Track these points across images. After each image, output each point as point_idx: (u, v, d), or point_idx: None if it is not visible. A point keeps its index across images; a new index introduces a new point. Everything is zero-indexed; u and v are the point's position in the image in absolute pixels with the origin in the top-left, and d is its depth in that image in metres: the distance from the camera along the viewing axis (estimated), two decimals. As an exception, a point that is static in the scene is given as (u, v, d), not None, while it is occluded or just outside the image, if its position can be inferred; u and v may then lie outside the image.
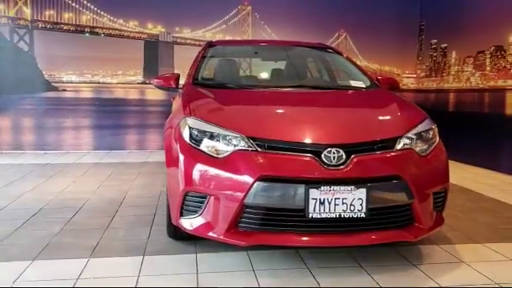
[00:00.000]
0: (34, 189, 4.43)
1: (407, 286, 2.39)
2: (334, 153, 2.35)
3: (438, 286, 2.38)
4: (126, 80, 11.74)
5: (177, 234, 2.90)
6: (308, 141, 2.43)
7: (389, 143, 2.50)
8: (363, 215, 2.34)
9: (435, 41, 8.93)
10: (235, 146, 2.45)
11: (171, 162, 2.69)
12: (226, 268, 2.59)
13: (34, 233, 3.17)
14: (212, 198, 2.44)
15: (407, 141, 2.56)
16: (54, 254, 2.78)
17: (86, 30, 11.54)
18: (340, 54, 4.00)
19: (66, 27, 11.47)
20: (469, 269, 2.60)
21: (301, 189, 2.30)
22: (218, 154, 2.47)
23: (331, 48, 4.17)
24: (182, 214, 2.58)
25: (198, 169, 2.48)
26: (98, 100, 11.70)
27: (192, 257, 2.75)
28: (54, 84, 10.97)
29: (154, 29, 12.18)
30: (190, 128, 2.61)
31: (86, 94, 11.87)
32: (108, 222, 3.44)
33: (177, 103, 3.27)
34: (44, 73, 10.45)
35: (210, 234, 2.46)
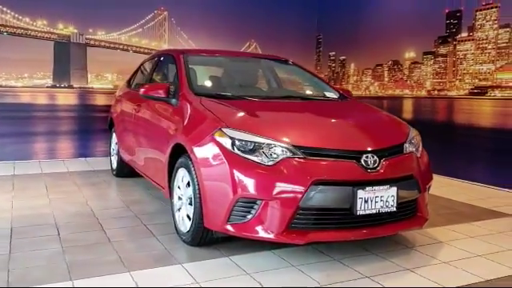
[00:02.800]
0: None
1: (413, 266, 2.90)
2: (370, 158, 2.78)
3: (440, 262, 2.96)
4: (33, 83, 10.60)
5: (202, 240, 3.01)
6: (348, 148, 2.81)
7: (399, 148, 3.01)
8: (394, 209, 2.80)
9: (333, 53, 9.97)
10: (282, 154, 2.70)
11: (211, 171, 2.81)
12: (268, 267, 2.81)
13: (36, 253, 2.96)
14: (265, 202, 2.65)
15: (408, 145, 3.10)
16: (88, 272, 2.68)
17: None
18: (303, 68, 4.43)
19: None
20: (446, 245, 3.25)
21: (349, 190, 2.67)
22: (266, 162, 2.69)
23: (294, 62, 4.57)
24: (228, 220, 2.74)
25: (250, 176, 2.66)
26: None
27: (226, 260, 2.91)
28: None
29: (65, 29, 11.26)
30: (231, 138, 2.78)
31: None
32: (103, 236, 3.34)
33: (188, 114, 3.30)
34: None
35: (265, 235, 2.67)
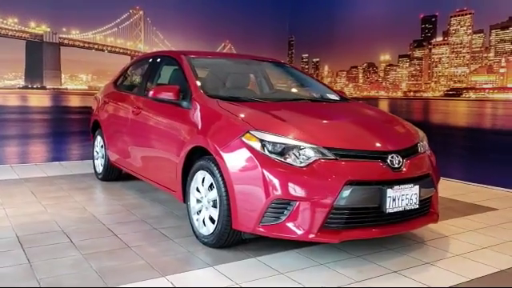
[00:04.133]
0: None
1: (432, 260, 3.07)
2: (395, 157, 2.91)
3: (453, 255, 3.15)
4: (3, 84, 9.98)
5: (226, 241, 3.03)
6: (374, 148, 2.92)
7: (415, 148, 3.17)
8: (417, 206, 2.95)
9: (306, 55, 10.12)
10: (314, 155, 2.77)
11: (242, 173, 2.84)
12: (298, 266, 2.86)
13: (58, 262, 2.86)
14: (299, 203, 2.72)
15: (421, 146, 3.26)
16: (122, 278, 2.63)
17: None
18: (300, 70, 4.53)
19: None
20: (451, 239, 3.46)
21: (378, 189, 2.78)
22: (299, 164, 2.76)
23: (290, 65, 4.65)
24: (261, 221, 2.78)
25: (285, 178, 2.71)
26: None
27: (255, 261, 2.94)
28: None
29: (38, 28, 10.67)
30: (261, 141, 2.82)
31: None
32: (119, 241, 3.27)
33: (206, 117, 3.30)
34: None
35: (300, 235, 2.73)
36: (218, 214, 3.02)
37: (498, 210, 4.40)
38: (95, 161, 5.49)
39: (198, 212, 3.28)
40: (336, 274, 2.78)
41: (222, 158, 2.95)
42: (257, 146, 2.82)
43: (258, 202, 2.76)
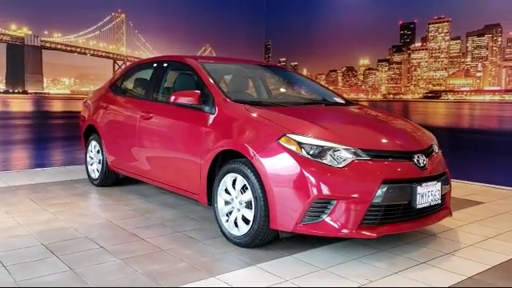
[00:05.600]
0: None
1: (450, 251, 3.32)
2: (421, 157, 3.13)
3: (467, 245, 3.43)
4: None
5: (261, 241, 3.15)
6: (403, 149, 3.13)
7: (432, 148, 3.42)
8: (439, 202, 3.20)
9: (284, 59, 10.28)
10: (351, 156, 2.95)
11: (282, 175, 2.96)
12: (334, 261, 3.01)
13: (101, 267, 2.86)
14: (339, 201, 2.88)
15: (435, 146, 3.52)
16: (175, 280, 2.68)
17: None
18: (302, 75, 4.70)
19: None
20: (459, 231, 3.75)
21: (409, 187, 3.00)
22: (337, 164, 2.92)
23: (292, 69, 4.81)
24: (302, 220, 2.92)
25: (325, 178, 2.87)
26: None
27: (292, 258, 3.07)
28: None
29: (19, 31, 10.06)
30: (299, 143, 2.97)
31: None
32: (150, 245, 3.30)
33: (236, 121, 3.39)
34: None
35: (340, 232, 2.89)
36: (253, 214, 3.13)
37: (485, 204, 4.77)
38: (89, 166, 5.41)
39: (228, 214, 3.37)
40: (372, 267, 2.96)
41: (258, 160, 3.06)
42: (295, 148, 2.96)
43: (300, 202, 2.90)
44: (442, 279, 2.78)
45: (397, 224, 3.05)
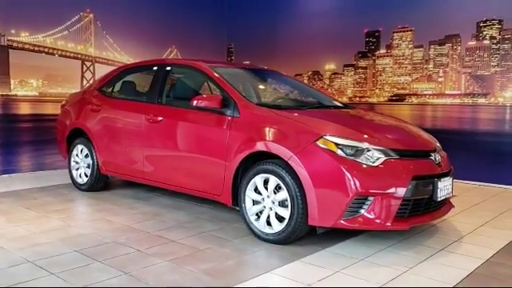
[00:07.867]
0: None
1: (458, 238, 3.71)
2: (436, 155, 3.49)
3: (468, 233, 3.84)
4: None
5: (293, 238, 3.33)
6: (423, 148, 3.47)
7: (439, 148, 3.80)
8: (451, 195, 3.58)
9: (248, 62, 10.34)
10: (383, 156, 3.22)
11: (322, 175, 3.17)
12: (367, 253, 3.26)
13: (154, 269, 2.89)
14: (376, 197, 3.14)
15: (438, 145, 3.91)
16: (237, 276, 2.79)
17: None
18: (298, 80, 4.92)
19: None
20: (454, 222, 4.18)
21: (432, 181, 3.34)
22: (372, 163, 3.18)
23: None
24: (343, 216, 3.15)
25: (363, 176, 3.11)
26: None
27: (327, 252, 3.27)
28: None
29: None
30: (336, 144, 3.19)
31: None
32: (183, 246, 3.34)
33: (264, 124, 3.52)
34: None
35: (378, 225, 3.15)
36: (289, 212, 3.30)
37: (458, 196, 5.28)
38: (73, 171, 5.25)
39: (259, 213, 3.51)
40: (402, 255, 3.25)
41: (296, 161, 3.24)
42: (333, 149, 3.18)
43: (341, 199, 3.12)
44: (465, 263, 3.13)
45: (421, 216, 3.37)
